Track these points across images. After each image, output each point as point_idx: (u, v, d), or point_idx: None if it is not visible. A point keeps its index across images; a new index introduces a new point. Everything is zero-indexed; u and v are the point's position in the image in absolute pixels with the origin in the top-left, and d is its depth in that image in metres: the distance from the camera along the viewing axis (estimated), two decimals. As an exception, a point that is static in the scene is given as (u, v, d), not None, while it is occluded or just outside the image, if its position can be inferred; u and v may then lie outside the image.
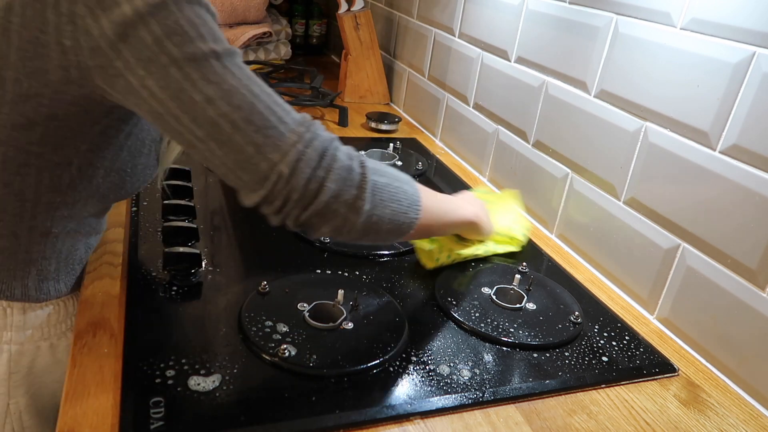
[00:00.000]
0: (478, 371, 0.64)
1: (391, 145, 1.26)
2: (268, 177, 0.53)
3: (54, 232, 0.64)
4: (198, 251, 0.74)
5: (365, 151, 1.22)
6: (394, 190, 0.60)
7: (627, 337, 0.74)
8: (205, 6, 0.52)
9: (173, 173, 0.95)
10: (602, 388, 0.66)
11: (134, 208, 0.86)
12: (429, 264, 0.81)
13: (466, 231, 0.81)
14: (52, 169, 0.59)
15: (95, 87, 0.52)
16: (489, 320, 0.72)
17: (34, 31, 0.51)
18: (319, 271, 0.79)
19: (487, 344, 0.69)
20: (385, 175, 0.60)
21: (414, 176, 1.16)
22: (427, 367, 0.64)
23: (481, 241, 0.85)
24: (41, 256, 0.65)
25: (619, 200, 0.86)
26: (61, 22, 0.49)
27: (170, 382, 0.57)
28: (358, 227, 0.57)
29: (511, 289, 0.78)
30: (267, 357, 0.61)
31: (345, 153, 0.57)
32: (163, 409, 0.53)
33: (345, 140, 0.58)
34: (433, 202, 0.68)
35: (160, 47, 0.49)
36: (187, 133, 0.52)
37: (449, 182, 1.16)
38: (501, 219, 0.89)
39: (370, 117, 1.41)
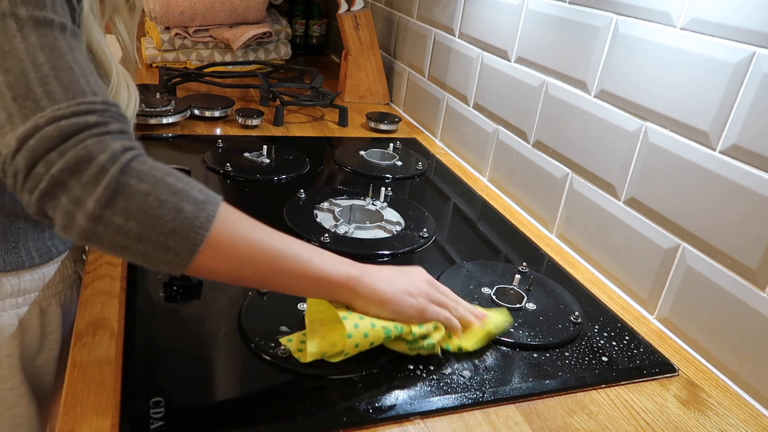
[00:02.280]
0: (478, 371, 0.64)
1: (391, 145, 1.26)
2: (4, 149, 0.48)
3: None
4: (198, 251, 0.74)
5: (365, 151, 1.22)
6: (156, 204, 0.47)
7: (627, 337, 0.74)
8: None
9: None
10: (602, 388, 0.66)
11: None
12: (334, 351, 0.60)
13: (335, 297, 0.59)
14: None
15: None
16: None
17: None
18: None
19: (487, 344, 0.69)
20: (156, 183, 0.47)
21: (414, 176, 1.16)
22: (428, 367, 0.64)
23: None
24: None
25: (619, 200, 0.86)
26: None
27: (170, 382, 0.57)
28: (77, 230, 0.47)
29: (511, 289, 0.78)
30: (267, 357, 0.61)
31: (105, 144, 0.47)
32: (163, 409, 0.53)
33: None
34: (249, 237, 0.53)
35: None
36: None
37: (449, 182, 1.16)
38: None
39: (370, 117, 1.41)
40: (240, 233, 0.52)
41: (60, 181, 0.46)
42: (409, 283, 0.62)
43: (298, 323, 0.66)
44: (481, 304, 0.75)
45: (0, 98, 0.47)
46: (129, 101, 0.65)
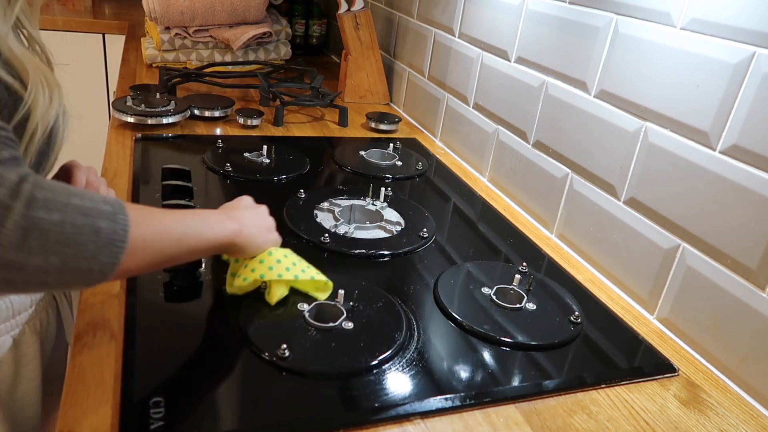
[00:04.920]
0: (478, 371, 0.64)
1: (391, 145, 1.26)
2: None
3: None
4: (198, 251, 0.74)
5: (365, 151, 1.22)
6: (74, 231, 0.45)
7: (627, 337, 0.74)
8: None
9: (173, 173, 0.95)
10: (602, 388, 0.66)
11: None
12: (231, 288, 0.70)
13: (226, 252, 0.67)
14: None
15: None
16: (489, 320, 0.72)
17: None
18: (319, 271, 0.79)
19: (487, 344, 0.69)
20: (65, 209, 0.45)
21: (414, 176, 1.16)
22: (427, 367, 0.64)
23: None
24: None
25: (619, 200, 0.86)
26: None
27: (170, 382, 0.57)
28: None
29: (511, 289, 0.78)
30: (267, 357, 0.61)
31: (1, 178, 0.43)
32: (163, 409, 0.53)
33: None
34: (159, 230, 0.54)
35: None
36: None
37: (449, 182, 1.16)
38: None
39: (370, 117, 1.41)
40: (151, 230, 0.53)
41: None
42: (263, 219, 0.70)
43: (298, 323, 0.66)
44: (481, 305, 0.75)
45: None
46: (51, 98, 0.59)
